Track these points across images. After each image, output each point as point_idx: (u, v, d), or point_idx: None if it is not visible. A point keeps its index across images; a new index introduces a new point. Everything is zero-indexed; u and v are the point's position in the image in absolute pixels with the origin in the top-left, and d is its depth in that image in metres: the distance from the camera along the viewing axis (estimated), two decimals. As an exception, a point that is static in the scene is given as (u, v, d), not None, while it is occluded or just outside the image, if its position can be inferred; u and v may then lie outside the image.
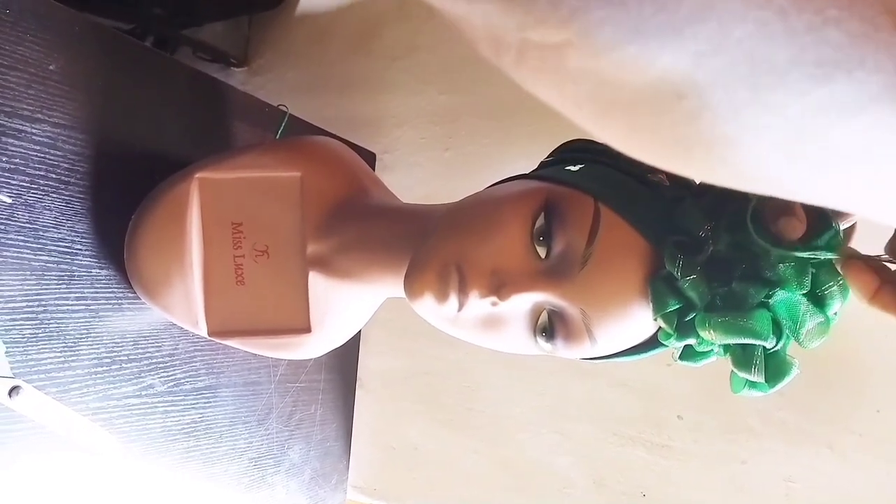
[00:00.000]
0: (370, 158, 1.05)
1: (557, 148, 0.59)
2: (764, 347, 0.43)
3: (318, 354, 0.69)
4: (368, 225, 0.60)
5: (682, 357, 0.48)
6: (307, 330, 0.64)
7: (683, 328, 0.44)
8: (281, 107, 0.85)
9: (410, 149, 1.09)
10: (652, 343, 0.49)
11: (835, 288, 0.41)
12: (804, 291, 0.42)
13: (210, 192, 0.62)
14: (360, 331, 1.02)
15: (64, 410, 0.60)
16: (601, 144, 0.53)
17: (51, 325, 0.59)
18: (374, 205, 0.63)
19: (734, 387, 0.47)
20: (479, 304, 0.47)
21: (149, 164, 0.68)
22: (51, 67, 0.59)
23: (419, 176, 1.07)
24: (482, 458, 0.97)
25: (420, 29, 1.10)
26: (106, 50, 0.65)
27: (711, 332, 0.42)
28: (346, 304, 0.65)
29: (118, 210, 0.65)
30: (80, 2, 1.08)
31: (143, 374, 0.67)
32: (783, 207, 0.41)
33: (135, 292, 0.66)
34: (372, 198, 0.64)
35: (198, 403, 0.74)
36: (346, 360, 0.99)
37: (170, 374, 0.70)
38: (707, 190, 0.46)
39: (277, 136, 0.84)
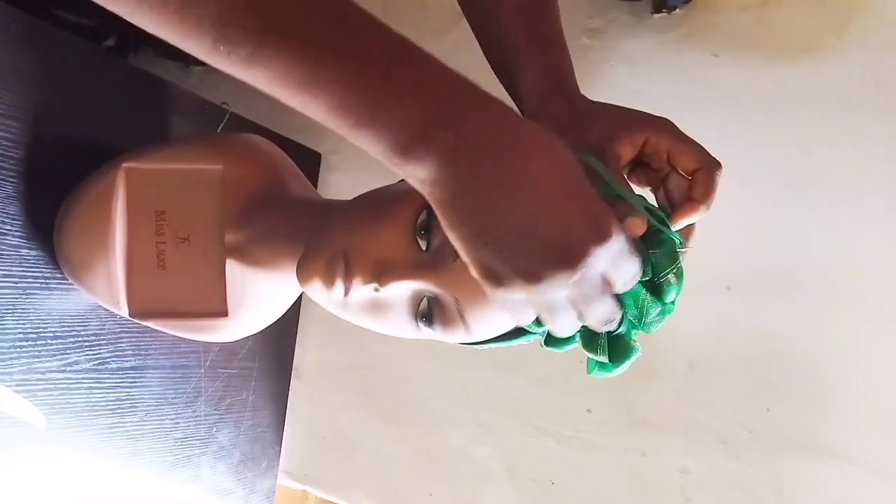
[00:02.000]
0: (315, 158, 1.09)
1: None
2: (608, 331, 0.48)
3: (235, 338, 0.73)
4: (281, 217, 0.65)
5: (546, 344, 0.53)
6: (224, 314, 0.68)
7: (543, 316, 0.49)
8: (223, 105, 0.89)
9: (357, 149, 1.12)
10: (522, 330, 0.54)
11: (671, 276, 0.47)
12: (644, 279, 0.47)
13: (136, 182, 0.66)
14: (297, 323, 1.07)
15: (-14, 381, 0.63)
16: None
17: (-23, 300, 0.63)
18: (289, 198, 0.67)
19: (588, 369, 0.52)
20: (362, 290, 0.52)
21: (83, 155, 0.71)
22: (-13, 59, 0.63)
23: (364, 175, 1.11)
24: (407, 447, 1.01)
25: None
26: (47, 47, 0.69)
27: None
28: (262, 291, 0.69)
29: (50, 195, 0.69)
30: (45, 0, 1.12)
31: (68, 351, 0.71)
32: (628, 209, 0.48)
33: (63, 274, 0.70)
34: (289, 192, 0.68)
35: (123, 382, 0.77)
36: (280, 350, 1.04)
37: (95, 352, 0.74)
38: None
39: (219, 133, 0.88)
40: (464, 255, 0.39)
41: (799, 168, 0.84)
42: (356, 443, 1.05)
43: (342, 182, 1.13)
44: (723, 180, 0.52)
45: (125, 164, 0.66)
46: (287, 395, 1.05)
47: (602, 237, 0.36)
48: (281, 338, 1.03)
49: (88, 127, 0.73)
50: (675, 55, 0.90)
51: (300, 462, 1.08)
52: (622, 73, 0.93)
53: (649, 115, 0.55)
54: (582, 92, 0.59)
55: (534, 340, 0.55)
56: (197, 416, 0.88)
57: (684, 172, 0.53)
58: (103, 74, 0.76)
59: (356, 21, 0.35)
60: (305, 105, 0.36)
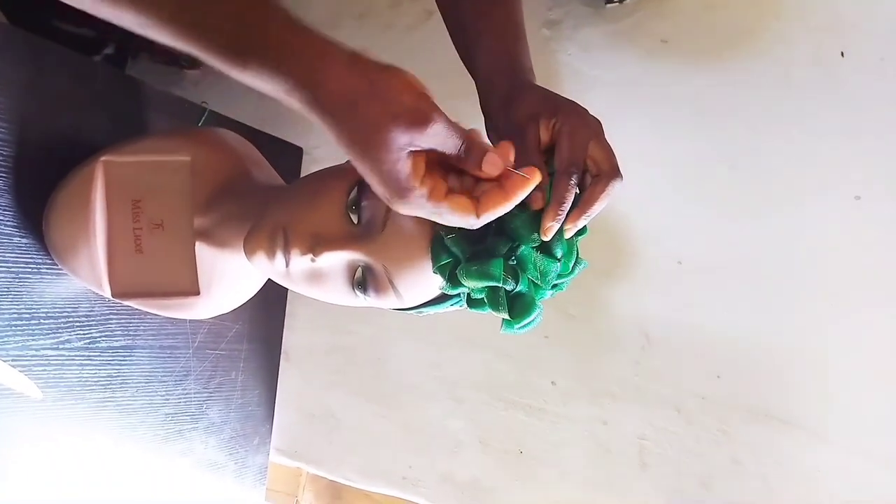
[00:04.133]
0: (297, 153, 1.16)
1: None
2: (506, 290, 0.53)
3: (209, 315, 0.79)
4: (244, 202, 0.71)
5: (469, 305, 0.59)
6: (196, 293, 0.74)
7: (453, 279, 0.55)
8: (203, 104, 0.96)
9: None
10: (447, 295, 0.59)
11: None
12: (535, 245, 0.52)
13: (113, 173, 0.73)
14: (284, 307, 1.13)
15: (-17, 356, 0.70)
16: None
17: (-27, 283, 0.70)
18: (253, 185, 0.74)
19: (502, 328, 0.57)
20: (300, 261, 0.58)
21: (69, 152, 0.78)
22: (-24, 66, 0.70)
23: (347, 169, 1.19)
24: (389, 422, 1.07)
25: (349, 37, 1.20)
26: (37, 57, 0.76)
27: (466, 278, 0.53)
28: (231, 270, 0.75)
29: (38, 189, 0.76)
30: (46, 11, 1.20)
31: (60, 330, 0.78)
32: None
33: (52, 260, 0.77)
34: (252, 179, 0.75)
35: (113, 360, 0.84)
36: (269, 332, 1.10)
37: (86, 332, 0.81)
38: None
39: (200, 130, 0.95)
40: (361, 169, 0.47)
41: (746, 148, 0.88)
42: (342, 420, 1.11)
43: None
44: (618, 191, 0.55)
45: (103, 158, 0.73)
46: (277, 376, 1.11)
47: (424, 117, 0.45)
48: (269, 321, 1.10)
49: (74, 127, 0.80)
50: (627, 42, 0.94)
51: (291, 439, 1.14)
52: (580, 61, 0.97)
53: (574, 106, 0.58)
54: (544, 80, 0.63)
55: (460, 306, 0.60)
56: (187, 394, 0.95)
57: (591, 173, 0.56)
58: (89, 80, 0.83)
59: None
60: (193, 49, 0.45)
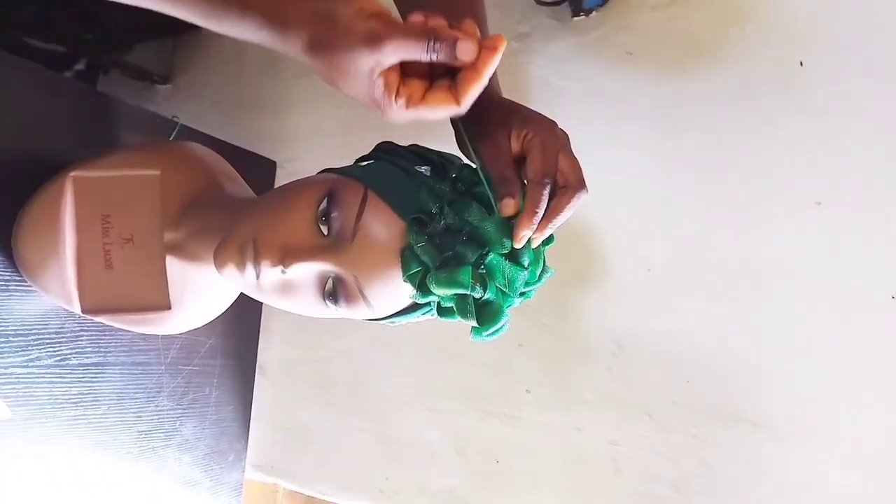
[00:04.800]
0: (270, 166, 1.16)
1: (374, 147, 0.70)
2: (475, 298, 0.54)
3: (181, 330, 0.79)
4: (215, 214, 0.71)
5: (440, 314, 0.59)
6: (167, 307, 0.74)
7: (423, 287, 0.55)
8: (174, 118, 0.96)
9: (311, 157, 1.20)
10: (418, 305, 0.60)
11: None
12: (504, 252, 0.53)
13: (82, 188, 0.73)
14: (259, 322, 1.13)
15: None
16: (393, 145, 0.65)
17: (-61, 302, 0.70)
18: (224, 198, 0.74)
19: (471, 336, 0.57)
20: (271, 273, 0.58)
21: (38, 169, 0.78)
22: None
23: (321, 183, 1.19)
24: (365, 435, 1.07)
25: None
26: (2, 70, 0.76)
27: (435, 286, 0.54)
28: (202, 284, 0.75)
29: (8, 205, 0.75)
30: (16, 28, 1.20)
31: (29, 348, 0.77)
32: (505, 193, 0.54)
33: (22, 277, 0.76)
34: (222, 192, 0.75)
35: (84, 377, 0.83)
36: (244, 347, 1.10)
37: (56, 349, 0.80)
38: (444, 176, 0.58)
39: (171, 145, 0.95)
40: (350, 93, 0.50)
41: (710, 156, 0.90)
42: (317, 434, 1.10)
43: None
44: (582, 203, 0.55)
45: (72, 173, 0.73)
46: (252, 392, 1.11)
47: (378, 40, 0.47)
48: (243, 336, 1.10)
49: (43, 143, 0.80)
50: (594, 54, 0.96)
51: (267, 455, 1.14)
52: (548, 73, 0.99)
53: (543, 119, 0.59)
54: (514, 91, 0.64)
55: (431, 315, 0.61)
56: (160, 411, 0.94)
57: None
58: (59, 96, 0.83)
59: None
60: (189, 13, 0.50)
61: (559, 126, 0.59)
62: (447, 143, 0.64)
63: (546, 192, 0.54)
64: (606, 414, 0.92)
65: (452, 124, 0.64)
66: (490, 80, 0.66)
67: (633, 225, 0.92)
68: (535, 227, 0.54)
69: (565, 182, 0.56)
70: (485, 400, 0.99)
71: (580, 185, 0.56)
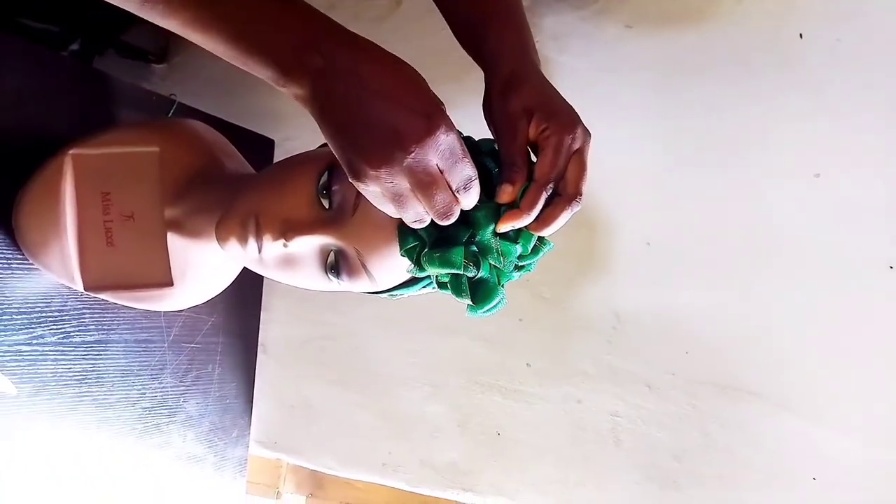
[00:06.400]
0: (269, 145, 1.16)
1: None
2: (468, 277, 0.55)
3: (183, 307, 0.79)
4: (215, 191, 0.71)
5: (439, 287, 0.60)
6: (169, 283, 0.75)
7: (420, 262, 0.56)
8: (172, 96, 0.96)
9: (309, 135, 1.18)
10: (418, 278, 0.60)
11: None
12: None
13: (82, 166, 0.73)
14: (260, 300, 1.14)
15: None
16: None
17: (-58, 280, 0.70)
18: (224, 174, 0.74)
19: (467, 312, 0.58)
20: (273, 247, 0.58)
21: (38, 147, 0.78)
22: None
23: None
24: (367, 411, 1.08)
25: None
26: (2, 53, 0.75)
27: (428, 265, 0.54)
28: (204, 260, 0.76)
29: (8, 184, 0.75)
30: (11, 6, 1.19)
31: (33, 326, 0.78)
32: (508, 178, 0.54)
33: (24, 255, 0.76)
34: (222, 169, 0.75)
35: (88, 355, 0.84)
36: (246, 324, 1.10)
37: (59, 327, 0.81)
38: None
39: (169, 123, 0.94)
40: (338, 157, 0.48)
41: (710, 130, 0.90)
42: (321, 410, 1.11)
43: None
44: (573, 214, 0.56)
45: (71, 151, 0.73)
46: (255, 369, 1.12)
47: (431, 128, 0.45)
48: (245, 314, 1.10)
49: (41, 121, 0.80)
50: (593, 29, 0.96)
51: (271, 431, 1.15)
52: (549, 49, 0.99)
53: (569, 116, 0.58)
54: None
55: (431, 288, 0.61)
56: (163, 388, 0.95)
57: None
58: (56, 73, 0.83)
59: None
60: (208, 42, 0.45)
61: (582, 124, 0.58)
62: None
63: (544, 197, 0.55)
64: (606, 386, 0.92)
65: (483, 102, 0.63)
66: (529, 45, 0.65)
67: (634, 199, 0.92)
68: (522, 225, 0.55)
69: (563, 190, 0.56)
70: (486, 374, 0.99)
71: (575, 196, 0.55)
